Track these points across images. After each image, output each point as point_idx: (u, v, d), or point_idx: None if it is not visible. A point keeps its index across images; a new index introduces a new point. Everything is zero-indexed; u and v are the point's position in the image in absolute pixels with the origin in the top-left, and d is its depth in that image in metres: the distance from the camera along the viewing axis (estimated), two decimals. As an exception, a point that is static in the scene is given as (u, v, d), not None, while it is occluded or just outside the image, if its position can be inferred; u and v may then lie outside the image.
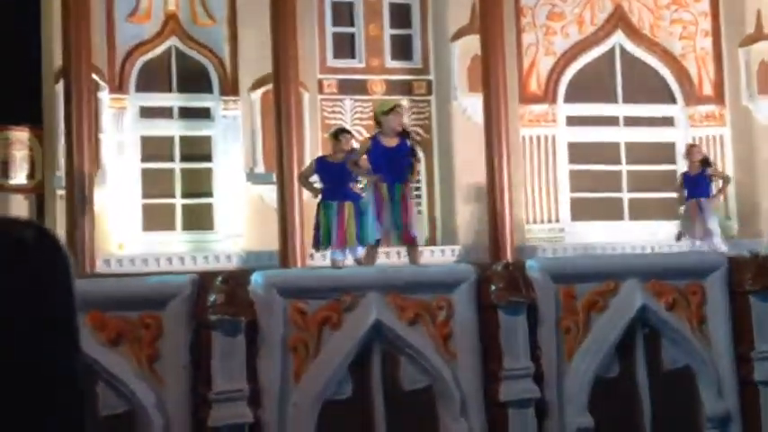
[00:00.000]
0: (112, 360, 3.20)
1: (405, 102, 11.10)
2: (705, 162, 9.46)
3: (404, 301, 3.52)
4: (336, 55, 10.98)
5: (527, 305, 3.56)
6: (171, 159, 10.26)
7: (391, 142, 6.65)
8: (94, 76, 9.47)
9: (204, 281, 3.40)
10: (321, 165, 7.83)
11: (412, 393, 3.48)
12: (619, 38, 11.74)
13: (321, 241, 7.56)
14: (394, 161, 6.52)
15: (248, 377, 3.31)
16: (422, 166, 11.14)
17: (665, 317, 3.63)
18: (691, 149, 9.78)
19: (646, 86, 11.69)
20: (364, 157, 7.09)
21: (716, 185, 9.69)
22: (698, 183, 9.38)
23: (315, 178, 7.96)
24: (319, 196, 7.79)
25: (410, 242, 6.65)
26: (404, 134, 6.71)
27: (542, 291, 3.60)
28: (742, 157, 11.76)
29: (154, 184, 10.12)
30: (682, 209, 9.65)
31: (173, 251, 9.79)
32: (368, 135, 8.67)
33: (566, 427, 3.49)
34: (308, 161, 9.65)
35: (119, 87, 10.08)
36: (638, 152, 11.55)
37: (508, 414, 3.45)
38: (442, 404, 3.46)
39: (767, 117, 11.67)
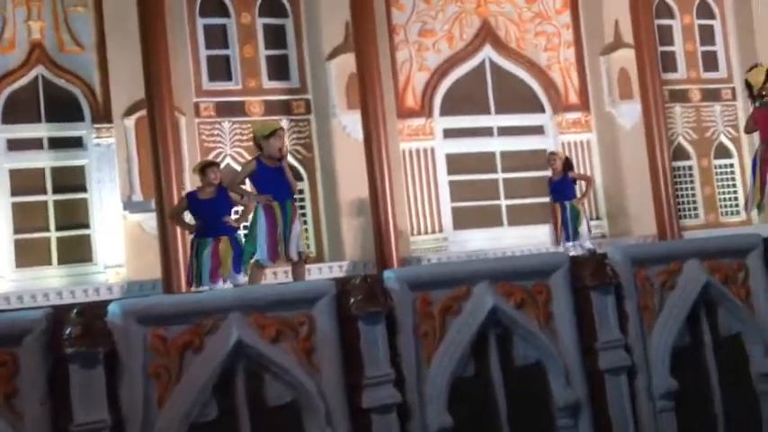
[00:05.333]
0: (-34, 400, 3.13)
1: (284, 122, 11.20)
2: (567, 167, 9.95)
3: (265, 320, 3.60)
4: (212, 77, 10.95)
5: (385, 314, 3.71)
6: (43, 192, 9.95)
7: (273, 163, 6.81)
8: (-43, 110, 9.13)
9: (60, 314, 3.37)
10: (193, 201, 7.58)
11: (277, 408, 3.56)
12: (488, 52, 12.24)
13: (194, 279, 7.43)
14: (279, 180, 6.67)
15: (110, 407, 3.31)
16: (305, 185, 11.26)
17: (514, 316, 3.85)
18: (550, 157, 10.27)
19: (516, 97, 12.23)
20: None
21: (579, 188, 10.19)
22: (562, 187, 9.86)
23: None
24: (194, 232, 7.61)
25: (291, 259, 6.80)
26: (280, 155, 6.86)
27: (400, 299, 3.75)
28: (608, 160, 12.47)
29: (26, 218, 9.79)
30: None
31: (50, 286, 9.49)
32: (249, 158, 8.68)
33: (427, 428, 3.65)
34: (188, 186, 9.56)
35: (-17, 120, 9.75)
36: (513, 160, 12.06)
37: (372, 419, 3.58)
38: (307, 416, 3.55)
39: (629, 121, 12.42)
